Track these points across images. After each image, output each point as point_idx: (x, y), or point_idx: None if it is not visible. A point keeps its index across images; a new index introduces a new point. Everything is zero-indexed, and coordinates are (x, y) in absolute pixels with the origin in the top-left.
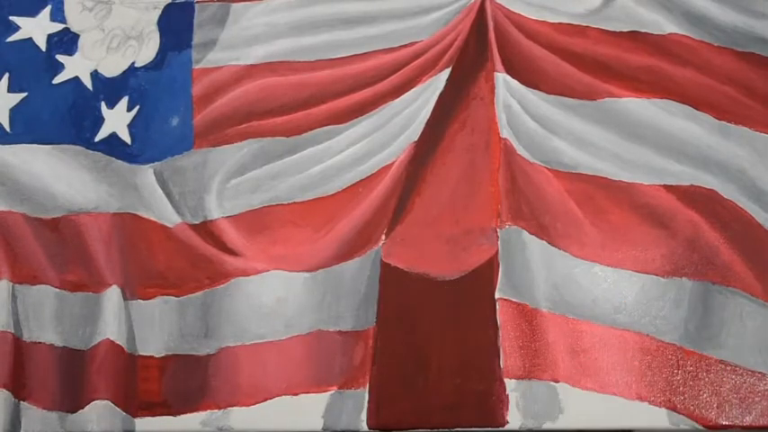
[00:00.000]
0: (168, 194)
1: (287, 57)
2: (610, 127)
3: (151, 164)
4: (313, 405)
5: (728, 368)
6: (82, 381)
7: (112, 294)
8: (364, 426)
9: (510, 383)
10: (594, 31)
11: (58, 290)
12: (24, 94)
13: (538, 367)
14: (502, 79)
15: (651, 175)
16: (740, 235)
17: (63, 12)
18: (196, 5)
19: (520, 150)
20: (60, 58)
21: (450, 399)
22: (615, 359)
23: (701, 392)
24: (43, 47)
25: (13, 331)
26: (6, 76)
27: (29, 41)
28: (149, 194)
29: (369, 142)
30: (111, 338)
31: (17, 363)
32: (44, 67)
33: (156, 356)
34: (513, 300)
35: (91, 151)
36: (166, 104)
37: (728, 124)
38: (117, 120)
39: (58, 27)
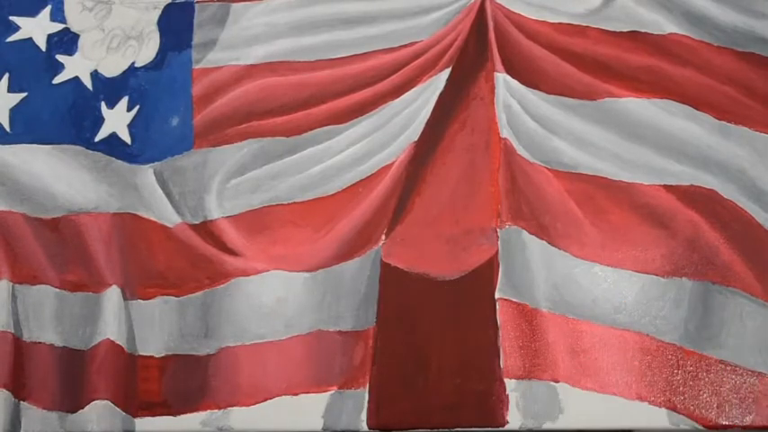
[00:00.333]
0: (168, 194)
1: (287, 57)
2: (610, 127)
3: (151, 164)
4: (313, 405)
5: (728, 368)
6: (82, 381)
7: (112, 294)
8: (364, 426)
9: (510, 383)
10: (594, 31)
11: (58, 290)
12: (24, 94)
13: (538, 367)
14: (502, 79)
15: (651, 175)
16: (740, 235)
17: (63, 12)
18: (196, 5)
19: (520, 150)
20: (60, 58)
21: (450, 399)
22: (615, 359)
23: (701, 392)
24: (43, 47)
25: (13, 331)
26: (6, 76)
27: (29, 41)
28: (149, 194)
29: (369, 142)
30: (111, 338)
31: (17, 363)
32: (44, 67)
33: (156, 356)
34: (513, 300)
35: (91, 151)
36: (166, 104)
37: (728, 124)
38: (117, 120)
39: (58, 27)
